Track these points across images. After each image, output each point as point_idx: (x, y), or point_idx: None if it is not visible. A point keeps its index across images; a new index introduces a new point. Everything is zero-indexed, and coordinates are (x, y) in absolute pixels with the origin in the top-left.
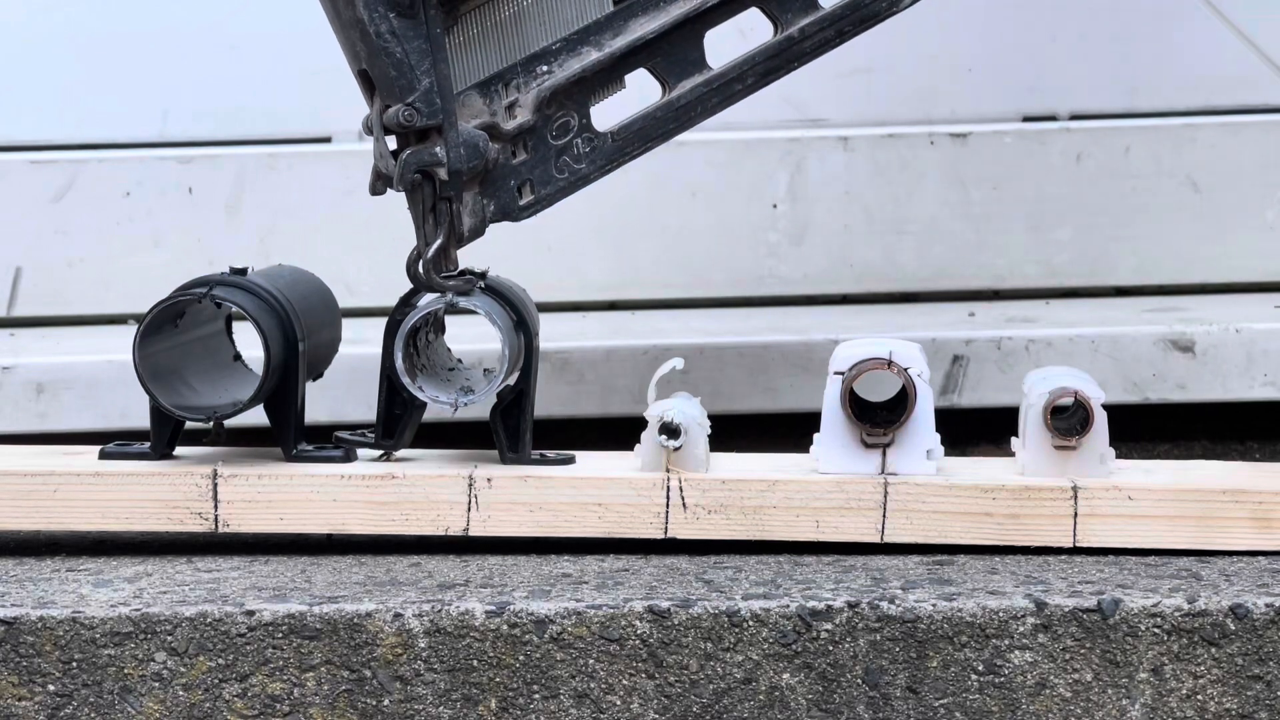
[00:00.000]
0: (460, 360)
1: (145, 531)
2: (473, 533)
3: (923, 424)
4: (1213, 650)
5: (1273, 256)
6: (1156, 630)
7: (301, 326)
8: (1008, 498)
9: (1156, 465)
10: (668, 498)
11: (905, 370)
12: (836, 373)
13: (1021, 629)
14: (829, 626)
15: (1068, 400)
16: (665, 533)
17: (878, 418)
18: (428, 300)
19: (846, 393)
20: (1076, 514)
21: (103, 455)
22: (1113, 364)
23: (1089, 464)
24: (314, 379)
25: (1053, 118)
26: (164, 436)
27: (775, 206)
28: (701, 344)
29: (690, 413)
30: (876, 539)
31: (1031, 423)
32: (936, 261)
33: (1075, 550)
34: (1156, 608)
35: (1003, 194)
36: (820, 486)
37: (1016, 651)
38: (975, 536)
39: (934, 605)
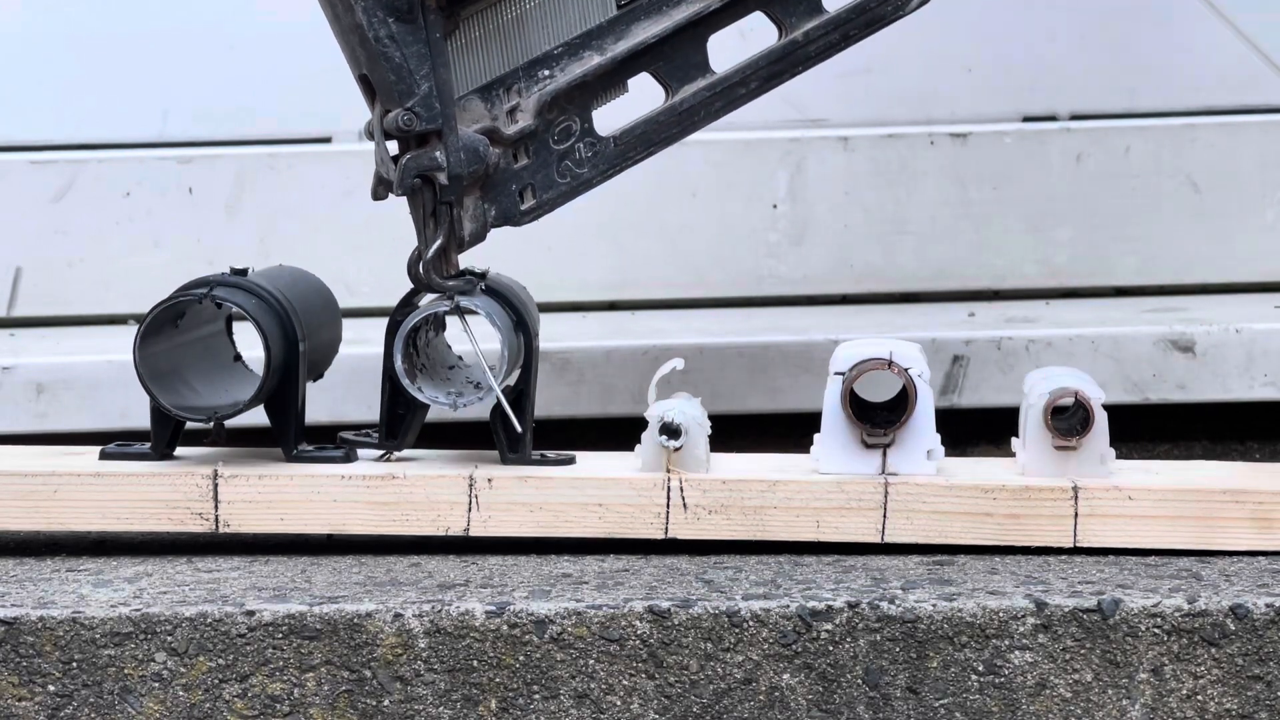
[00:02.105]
0: (460, 358)
1: (145, 532)
2: (473, 533)
3: (923, 424)
4: (1213, 650)
5: (1273, 256)
6: (1156, 630)
7: (302, 327)
8: (1008, 498)
9: (1156, 465)
10: (668, 498)
11: (906, 370)
12: (837, 373)
13: (1021, 629)
14: (829, 627)
15: (1068, 400)
16: (665, 533)
17: (878, 418)
18: (429, 300)
19: (847, 393)
20: (1077, 514)
21: (103, 456)
22: (1113, 364)
23: (1089, 464)
24: (314, 379)
25: (1053, 118)
26: (164, 437)
27: (775, 206)
28: (701, 344)
29: (690, 413)
30: (877, 539)
31: (1032, 423)
32: (936, 261)
33: (1075, 550)
34: (1156, 608)
35: (1003, 194)
36: (821, 487)
37: (1017, 652)
38: (975, 536)
39: (934, 605)
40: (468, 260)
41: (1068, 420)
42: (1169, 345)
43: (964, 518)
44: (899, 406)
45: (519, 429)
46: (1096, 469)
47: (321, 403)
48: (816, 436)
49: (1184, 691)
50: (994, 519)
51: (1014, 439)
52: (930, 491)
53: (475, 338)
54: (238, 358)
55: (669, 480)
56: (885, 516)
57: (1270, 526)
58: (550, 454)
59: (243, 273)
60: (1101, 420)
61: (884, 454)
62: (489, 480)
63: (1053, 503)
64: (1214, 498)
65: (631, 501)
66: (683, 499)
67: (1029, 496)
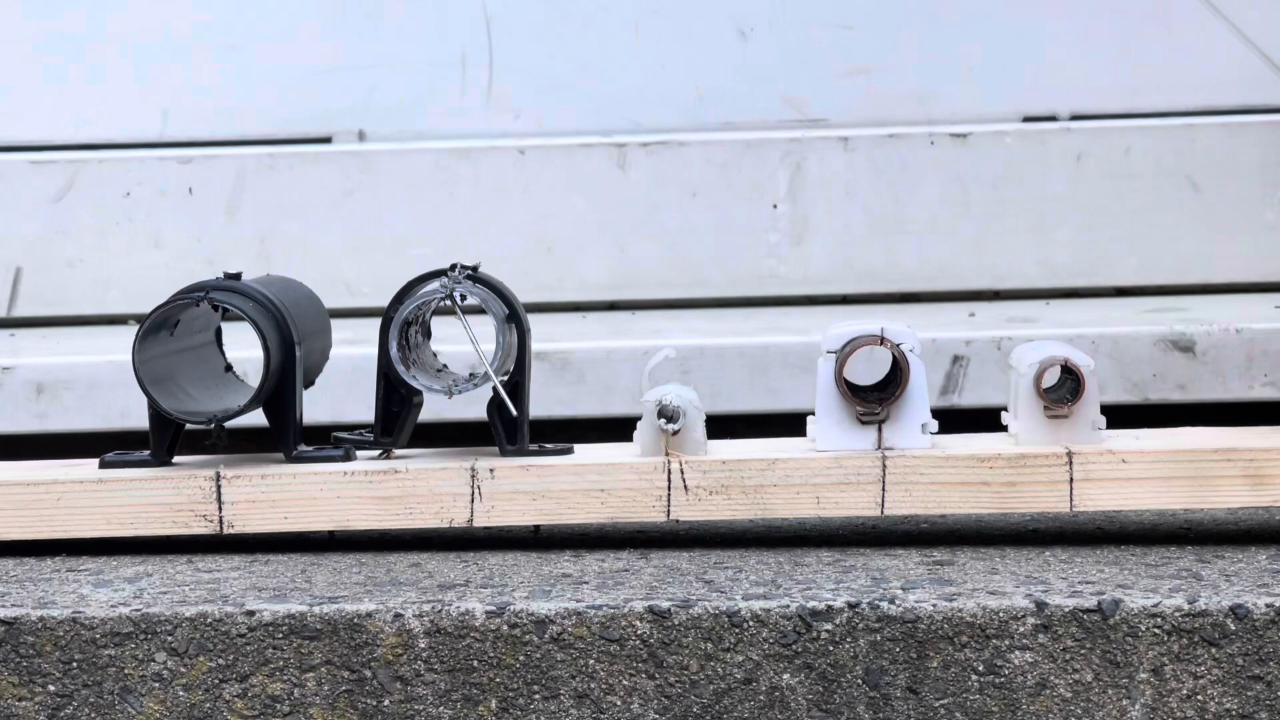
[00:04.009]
0: (446, 365)
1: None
2: (477, 523)
3: (917, 399)
4: (1213, 650)
5: (1273, 256)
6: (1157, 630)
7: (298, 330)
8: (1004, 466)
9: (1148, 431)
10: (669, 480)
11: (898, 345)
12: (829, 352)
13: (1022, 629)
14: (829, 627)
15: (1057, 370)
16: (668, 515)
17: (869, 398)
18: (424, 292)
19: (840, 370)
20: (1072, 479)
21: (103, 465)
22: (1113, 364)
23: (1082, 431)
24: (307, 386)
25: (1053, 118)
26: (164, 442)
27: (775, 206)
28: (701, 344)
29: (686, 397)
30: (877, 512)
31: (1023, 393)
32: (936, 261)
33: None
34: (1157, 608)
35: (1003, 194)
36: (819, 463)
37: (1017, 652)
38: (973, 506)
39: (934, 605)
40: (458, 256)
41: (1058, 389)
42: (1169, 345)
43: (962, 488)
44: (888, 386)
45: (514, 413)
46: (1089, 435)
47: (321, 403)
48: (811, 418)
49: (1184, 691)
50: (991, 488)
51: (1003, 412)
52: (927, 463)
53: (469, 325)
54: (228, 368)
55: (669, 463)
56: (884, 490)
57: (1263, 483)
58: (549, 445)
59: (236, 277)
60: (1092, 386)
61: (879, 430)
62: (491, 470)
63: (1048, 469)
64: (1206, 457)
65: (633, 485)
66: (684, 481)
67: (1024, 464)
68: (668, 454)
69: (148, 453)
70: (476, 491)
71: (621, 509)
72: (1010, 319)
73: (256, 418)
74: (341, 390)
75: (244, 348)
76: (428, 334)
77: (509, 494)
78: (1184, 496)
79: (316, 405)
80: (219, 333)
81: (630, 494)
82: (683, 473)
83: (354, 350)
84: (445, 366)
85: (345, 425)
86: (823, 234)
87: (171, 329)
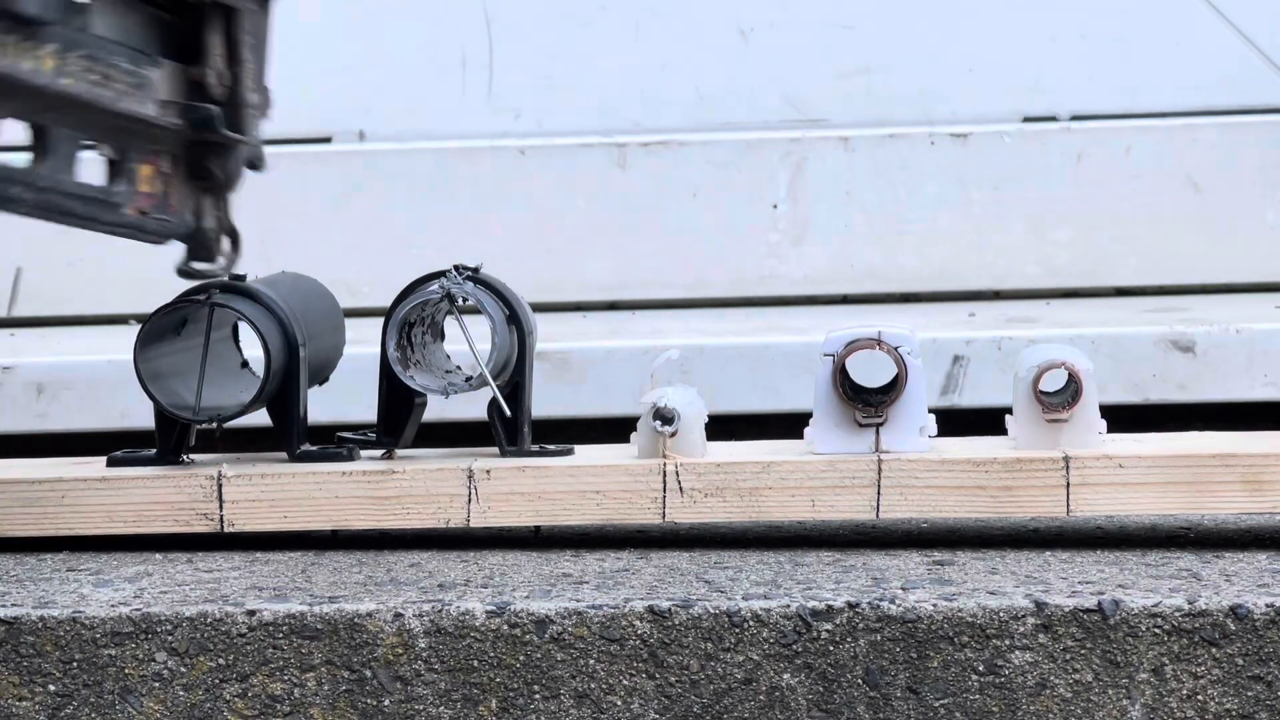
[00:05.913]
0: (459, 367)
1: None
2: (473, 524)
3: (915, 401)
4: (1213, 650)
5: (1273, 256)
6: (1157, 630)
7: (302, 331)
8: (1000, 470)
9: (1148, 435)
10: (664, 483)
11: (895, 349)
12: (826, 355)
13: (1022, 629)
14: (829, 627)
15: (1059, 376)
16: (663, 518)
17: (872, 400)
18: (421, 293)
19: (837, 373)
20: (1069, 484)
21: (110, 462)
22: (1113, 364)
23: (1081, 435)
24: (319, 384)
25: (1053, 118)
26: (170, 441)
27: (775, 206)
28: (701, 344)
29: (685, 399)
30: (872, 516)
31: (1021, 395)
32: (936, 261)
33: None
34: (1157, 608)
35: (1003, 194)
36: (814, 466)
37: (1017, 652)
38: (969, 510)
39: (934, 605)
40: (458, 256)
41: (1060, 393)
42: (1169, 345)
43: (957, 492)
44: (893, 389)
45: (508, 412)
46: (1088, 440)
47: (324, 404)
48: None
49: (1184, 692)
50: (987, 491)
51: (1008, 416)
52: (923, 467)
53: (466, 326)
54: (245, 364)
55: (665, 465)
56: (879, 493)
57: (1261, 489)
58: (550, 446)
59: (240, 279)
60: (1091, 391)
61: (877, 433)
62: (487, 472)
63: (1044, 473)
64: (1204, 462)
65: (628, 487)
66: (679, 483)
67: (1021, 468)
68: (665, 456)
69: (155, 451)
70: (473, 492)
71: (617, 511)
72: (1010, 319)
73: (267, 416)
74: (343, 391)
75: (258, 344)
76: (439, 335)
77: (505, 495)
78: (1181, 502)
79: (319, 406)
80: (236, 328)
81: (626, 496)
82: (678, 475)
83: (356, 350)
84: (458, 368)
85: (347, 425)
86: (823, 234)
87: (178, 329)
